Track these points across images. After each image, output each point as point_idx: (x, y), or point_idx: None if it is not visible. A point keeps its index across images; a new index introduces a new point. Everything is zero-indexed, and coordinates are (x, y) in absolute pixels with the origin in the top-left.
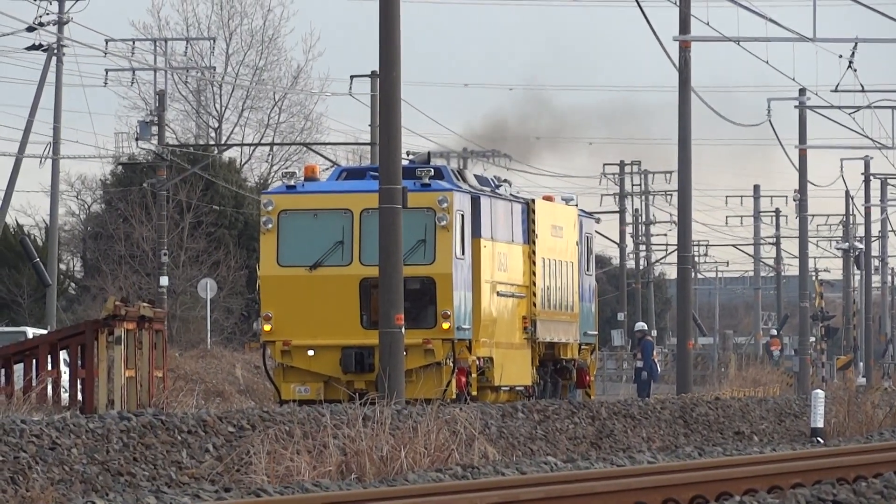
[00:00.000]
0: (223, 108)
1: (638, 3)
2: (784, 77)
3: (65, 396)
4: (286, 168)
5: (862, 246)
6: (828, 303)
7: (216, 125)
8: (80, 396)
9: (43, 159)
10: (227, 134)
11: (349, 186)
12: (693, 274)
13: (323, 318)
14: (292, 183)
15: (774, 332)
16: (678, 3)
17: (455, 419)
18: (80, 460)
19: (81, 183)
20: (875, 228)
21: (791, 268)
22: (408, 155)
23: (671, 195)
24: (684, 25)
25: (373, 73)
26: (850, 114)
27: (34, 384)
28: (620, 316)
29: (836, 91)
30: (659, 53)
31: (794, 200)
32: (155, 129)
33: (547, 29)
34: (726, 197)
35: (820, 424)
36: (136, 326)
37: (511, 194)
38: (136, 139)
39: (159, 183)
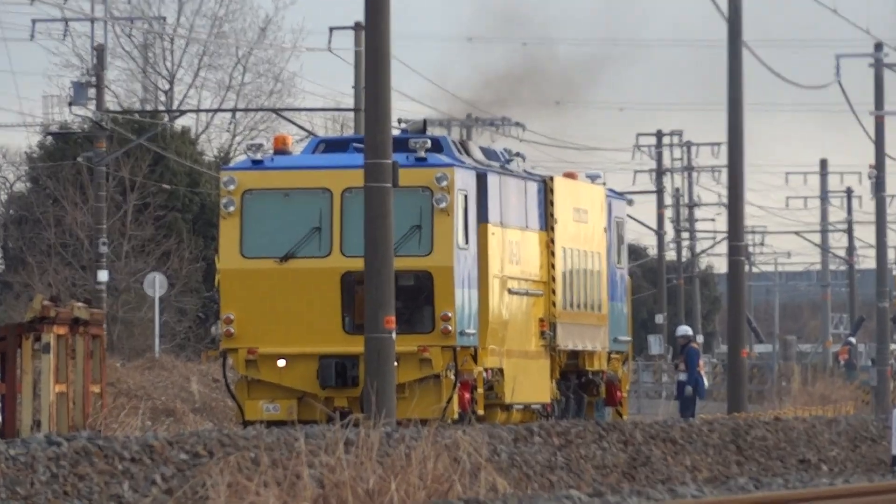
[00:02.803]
0: (175, 67)
1: None
2: (856, 30)
3: None
4: (251, 139)
5: None
6: None
7: (167, 87)
8: None
9: None
10: (180, 98)
11: (328, 161)
12: (747, 267)
13: (296, 321)
14: (259, 157)
15: (852, 339)
16: None
17: (457, 444)
18: None
19: (2, 157)
20: None
21: (867, 259)
22: (399, 123)
23: (720, 171)
24: None
25: (356, 24)
26: None
27: None
28: (659, 318)
29: None
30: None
31: (870, 178)
32: (92, 91)
33: None
34: (787, 174)
35: None
36: (68, 331)
37: (525, 170)
38: (70, 104)
39: (97, 157)
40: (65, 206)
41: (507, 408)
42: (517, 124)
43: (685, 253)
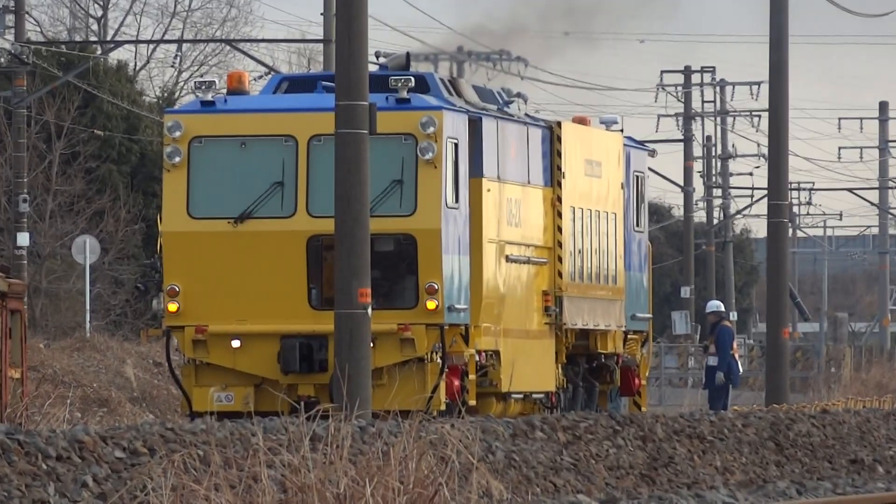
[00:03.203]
0: None
1: None
2: None
3: None
4: (201, 76)
5: None
6: None
7: (99, 13)
8: None
9: None
10: (115, 27)
11: (292, 103)
12: (791, 231)
13: (254, 294)
14: (210, 98)
15: None
16: None
17: (444, 440)
18: None
19: None
20: None
21: None
22: (377, 58)
23: (759, 116)
24: None
25: None
26: None
27: None
28: (685, 291)
29: None
30: None
31: None
32: (11, 18)
33: None
34: (839, 119)
35: None
36: None
37: (527, 115)
38: None
39: (17, 97)
40: None
41: (504, 397)
42: (518, 59)
43: (717, 214)
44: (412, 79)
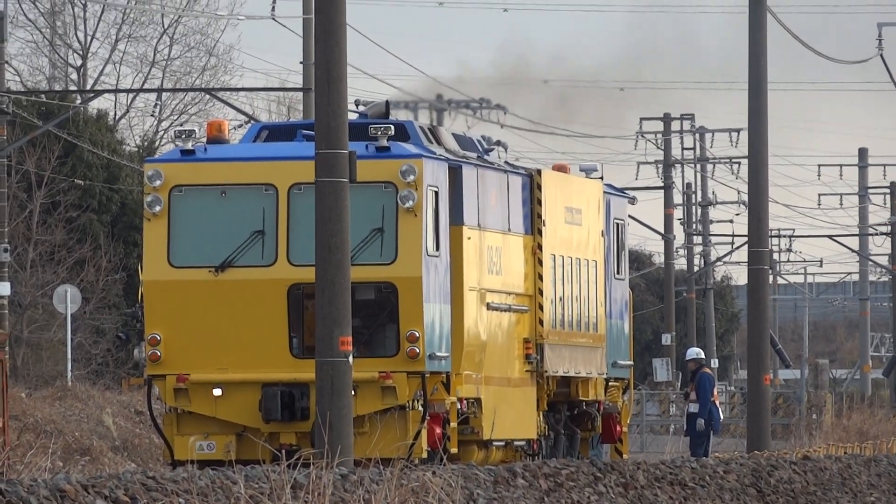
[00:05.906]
0: (89, 39)
1: None
2: None
3: None
4: (180, 125)
5: None
6: None
7: (79, 63)
8: None
9: None
10: (95, 76)
11: (272, 151)
12: (771, 278)
13: (235, 343)
14: (189, 146)
15: None
16: None
17: (426, 488)
18: None
19: None
20: None
21: None
22: (357, 106)
23: (739, 163)
24: None
25: None
26: None
27: None
28: (666, 339)
29: None
30: None
31: None
32: None
33: None
34: (819, 166)
35: None
36: None
37: (507, 162)
38: None
39: None
40: None
41: (486, 445)
42: (498, 107)
43: (697, 261)
44: (392, 127)
